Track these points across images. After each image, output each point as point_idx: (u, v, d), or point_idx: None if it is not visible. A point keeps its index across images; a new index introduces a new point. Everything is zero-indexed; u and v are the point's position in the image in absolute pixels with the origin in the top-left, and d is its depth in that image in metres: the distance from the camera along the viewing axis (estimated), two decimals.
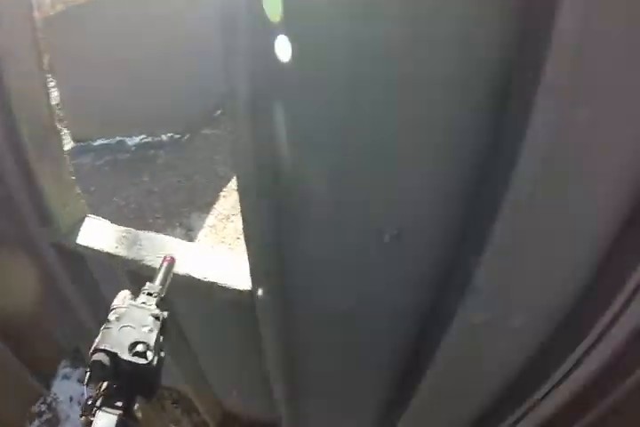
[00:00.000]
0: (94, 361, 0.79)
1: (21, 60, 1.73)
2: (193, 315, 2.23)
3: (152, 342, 0.87)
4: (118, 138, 9.13)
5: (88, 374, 0.85)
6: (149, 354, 0.84)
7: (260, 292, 1.64)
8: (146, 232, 2.06)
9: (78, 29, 8.83)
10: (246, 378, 2.52)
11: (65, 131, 8.21)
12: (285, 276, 1.57)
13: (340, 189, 1.30)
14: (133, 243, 1.99)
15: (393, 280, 1.46)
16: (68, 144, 7.99)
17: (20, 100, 1.77)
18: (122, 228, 2.11)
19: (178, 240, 2.05)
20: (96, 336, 0.94)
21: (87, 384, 0.87)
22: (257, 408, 2.84)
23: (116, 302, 1.00)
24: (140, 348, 0.84)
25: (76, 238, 2.10)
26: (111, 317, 0.93)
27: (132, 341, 0.85)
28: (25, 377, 3.29)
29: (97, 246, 2.02)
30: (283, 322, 1.76)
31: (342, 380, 2.04)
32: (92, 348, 0.84)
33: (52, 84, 8.94)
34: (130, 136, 8.99)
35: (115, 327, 0.90)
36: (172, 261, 1.16)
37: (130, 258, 1.91)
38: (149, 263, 1.86)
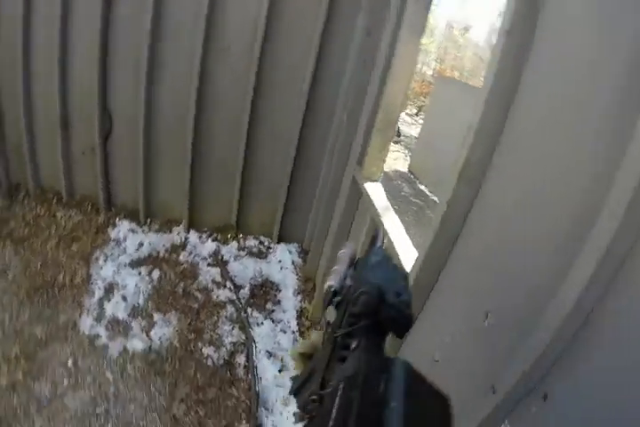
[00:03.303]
0: (363, 291, 0.85)
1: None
2: None
3: (410, 298, 0.91)
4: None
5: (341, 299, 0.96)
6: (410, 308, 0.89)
7: None
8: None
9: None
10: None
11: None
12: None
13: None
14: None
15: None
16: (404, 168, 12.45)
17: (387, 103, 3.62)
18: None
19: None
20: None
21: (336, 308, 0.96)
22: None
23: (347, 250, 1.14)
24: (404, 297, 0.88)
25: (364, 181, 3.81)
26: (373, 259, 1.01)
27: (396, 289, 0.89)
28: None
29: (369, 190, 3.64)
30: None
31: None
32: (363, 280, 0.92)
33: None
34: None
35: (378, 270, 0.96)
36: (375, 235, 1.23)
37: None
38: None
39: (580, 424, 1.27)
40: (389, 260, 1.05)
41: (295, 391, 0.90)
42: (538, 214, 1.55)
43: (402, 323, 0.89)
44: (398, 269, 1.04)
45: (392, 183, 10.84)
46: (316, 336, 0.98)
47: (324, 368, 0.79)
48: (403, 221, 3.24)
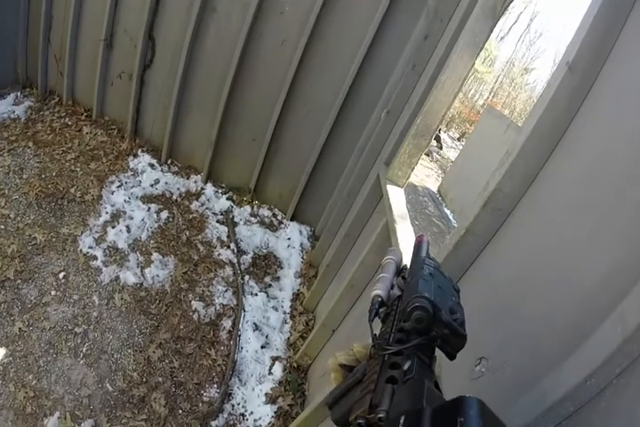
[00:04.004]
0: (417, 306, 0.79)
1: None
2: None
3: (464, 316, 0.88)
4: None
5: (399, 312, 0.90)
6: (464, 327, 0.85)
7: None
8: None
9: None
10: None
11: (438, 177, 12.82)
12: None
13: None
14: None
15: None
16: (433, 187, 12.34)
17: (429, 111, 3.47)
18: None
19: None
20: None
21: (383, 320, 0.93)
22: None
23: (393, 257, 1.10)
24: (458, 315, 0.85)
25: (388, 182, 3.71)
26: (426, 270, 0.93)
27: (449, 305, 0.85)
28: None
29: (390, 193, 3.54)
30: None
31: None
32: (415, 293, 0.83)
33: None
34: None
35: (431, 283, 0.89)
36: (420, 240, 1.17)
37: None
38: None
39: None
40: (442, 272, 1.00)
41: (331, 404, 0.86)
42: (564, 267, 1.36)
43: (454, 343, 0.86)
44: (452, 283, 1.00)
45: (419, 199, 10.80)
46: (358, 348, 0.92)
47: (372, 389, 0.73)
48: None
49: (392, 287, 1.01)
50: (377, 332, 0.91)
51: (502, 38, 28.97)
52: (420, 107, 3.59)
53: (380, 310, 0.96)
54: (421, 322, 0.80)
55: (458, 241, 1.86)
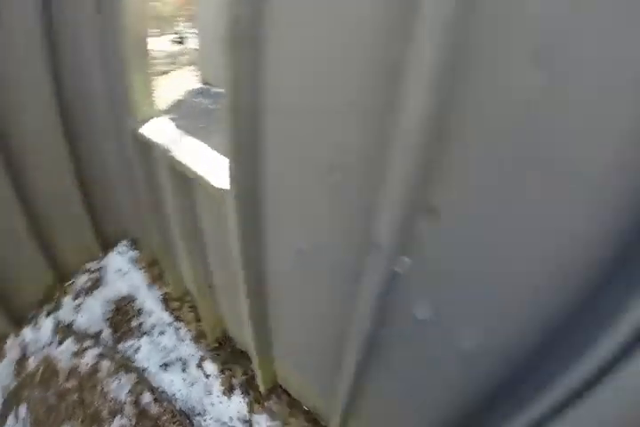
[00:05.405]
0: None
1: None
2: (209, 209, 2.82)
3: None
4: None
5: None
6: None
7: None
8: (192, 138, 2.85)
9: None
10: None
11: (196, 73, 11.41)
12: None
13: None
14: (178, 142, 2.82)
15: None
16: (196, 84, 10.99)
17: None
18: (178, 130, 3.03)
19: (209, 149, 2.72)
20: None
21: None
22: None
23: None
24: None
25: (147, 130, 3.06)
26: None
27: None
28: (91, 236, 4.40)
29: (150, 132, 3.02)
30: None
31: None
32: None
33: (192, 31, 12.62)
34: None
35: None
36: None
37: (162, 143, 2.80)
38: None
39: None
40: None
41: None
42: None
43: None
44: None
45: (191, 103, 9.75)
46: None
47: None
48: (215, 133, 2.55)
49: None
50: None
51: None
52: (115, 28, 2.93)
53: None
54: None
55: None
